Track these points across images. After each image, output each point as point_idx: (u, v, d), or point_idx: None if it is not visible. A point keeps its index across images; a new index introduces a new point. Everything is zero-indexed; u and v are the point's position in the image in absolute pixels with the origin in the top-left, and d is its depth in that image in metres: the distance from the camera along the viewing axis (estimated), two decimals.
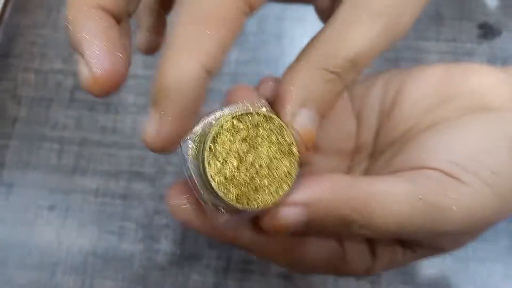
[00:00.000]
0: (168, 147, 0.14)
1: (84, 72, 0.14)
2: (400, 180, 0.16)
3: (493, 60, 0.30)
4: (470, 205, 0.15)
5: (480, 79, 0.18)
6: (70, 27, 0.14)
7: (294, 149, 0.15)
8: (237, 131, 0.15)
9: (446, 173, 0.16)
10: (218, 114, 0.15)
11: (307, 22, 0.31)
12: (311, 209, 0.15)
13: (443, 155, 0.16)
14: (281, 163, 0.15)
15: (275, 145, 0.15)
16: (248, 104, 0.15)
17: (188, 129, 0.14)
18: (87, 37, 0.14)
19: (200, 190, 0.15)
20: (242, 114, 0.15)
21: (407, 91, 0.19)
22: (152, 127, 0.14)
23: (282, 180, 0.15)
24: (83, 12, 0.14)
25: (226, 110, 0.15)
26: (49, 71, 0.31)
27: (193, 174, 0.15)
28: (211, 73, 0.14)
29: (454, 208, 0.15)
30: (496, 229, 0.26)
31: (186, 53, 0.13)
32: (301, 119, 0.16)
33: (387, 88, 0.19)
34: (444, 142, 0.17)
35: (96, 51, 0.14)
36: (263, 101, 0.16)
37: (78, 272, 0.27)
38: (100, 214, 0.28)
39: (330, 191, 0.15)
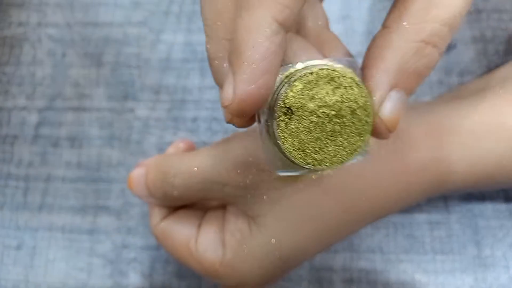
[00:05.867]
0: (246, 109, 0.13)
1: (229, 92, 0.13)
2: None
3: (449, 73, 0.30)
4: None
5: None
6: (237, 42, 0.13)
7: (369, 126, 0.14)
8: (314, 92, 0.14)
9: None
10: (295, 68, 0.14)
11: None
12: (147, 168, 0.23)
13: None
14: (353, 134, 0.14)
15: (354, 116, 0.14)
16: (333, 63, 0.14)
17: (266, 90, 0.13)
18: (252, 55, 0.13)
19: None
20: (324, 75, 0.14)
21: None
22: (229, 89, 0.13)
23: (350, 147, 0.14)
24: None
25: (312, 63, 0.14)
26: (13, 108, 0.31)
27: (264, 136, 0.15)
28: (284, 26, 0.13)
29: None
30: (462, 239, 0.27)
31: (256, 7, 0.13)
32: (390, 105, 0.14)
33: None
34: None
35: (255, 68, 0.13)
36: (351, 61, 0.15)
37: None
38: (68, 250, 0.27)
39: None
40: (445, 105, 0.23)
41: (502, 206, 0.27)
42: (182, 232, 0.22)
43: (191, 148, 0.25)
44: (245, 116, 0.14)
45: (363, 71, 0.15)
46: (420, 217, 0.27)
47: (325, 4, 0.33)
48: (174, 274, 0.27)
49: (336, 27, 0.32)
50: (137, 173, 0.23)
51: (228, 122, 0.14)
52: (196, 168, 0.21)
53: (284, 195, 0.21)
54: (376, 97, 0.14)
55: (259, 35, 0.12)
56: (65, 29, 0.33)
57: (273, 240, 0.21)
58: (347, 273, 0.26)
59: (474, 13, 0.32)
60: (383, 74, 0.14)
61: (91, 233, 0.28)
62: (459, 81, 0.30)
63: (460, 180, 0.23)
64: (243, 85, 0.13)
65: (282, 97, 0.14)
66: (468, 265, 0.26)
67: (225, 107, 0.13)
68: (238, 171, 0.20)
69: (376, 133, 0.15)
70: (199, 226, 0.23)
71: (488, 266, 0.26)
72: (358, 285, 0.26)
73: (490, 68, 0.30)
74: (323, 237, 0.22)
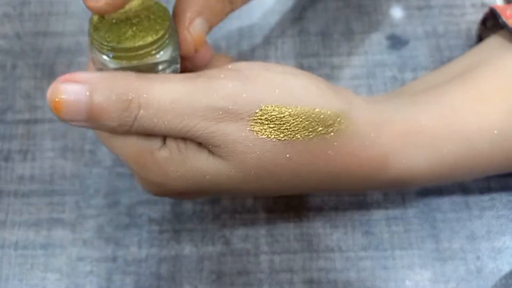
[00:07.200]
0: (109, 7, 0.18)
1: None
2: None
3: (403, 69, 0.31)
4: None
5: None
6: None
7: (161, 29, 0.19)
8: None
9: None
10: None
11: (221, 50, 0.32)
12: (92, 87, 0.18)
13: None
14: (150, 31, 0.19)
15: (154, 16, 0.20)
16: None
17: None
18: None
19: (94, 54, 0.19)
20: None
21: None
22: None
23: (154, 31, 0.19)
24: None
25: None
26: None
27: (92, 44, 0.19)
28: None
29: None
30: (421, 234, 0.27)
31: None
32: (196, 25, 0.21)
33: None
34: None
35: None
36: None
37: None
38: (21, 267, 0.27)
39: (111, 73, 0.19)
40: (404, 104, 0.23)
41: (458, 199, 0.28)
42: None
43: None
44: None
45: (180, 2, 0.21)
46: (378, 214, 0.27)
47: (280, 6, 0.34)
48: (132, 286, 0.26)
49: (291, 29, 0.32)
50: (73, 91, 0.18)
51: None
52: (171, 101, 0.18)
53: (249, 151, 0.19)
54: (187, 16, 0.21)
55: None
56: (15, 40, 0.32)
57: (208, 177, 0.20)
58: (307, 273, 0.26)
59: (426, 9, 0.32)
60: (193, 6, 0.21)
61: (46, 247, 0.27)
62: (413, 76, 0.30)
63: (416, 180, 0.23)
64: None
65: None
66: (427, 259, 0.26)
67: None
68: (216, 112, 0.19)
69: (185, 44, 0.21)
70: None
71: (447, 260, 0.26)
72: (319, 285, 0.26)
73: (443, 63, 0.30)
74: (271, 191, 0.22)
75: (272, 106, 0.19)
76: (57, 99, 0.18)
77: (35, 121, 0.30)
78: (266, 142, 0.19)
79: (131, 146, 0.20)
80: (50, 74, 0.31)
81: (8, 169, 0.29)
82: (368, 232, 0.27)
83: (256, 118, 0.19)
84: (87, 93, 0.18)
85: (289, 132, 0.19)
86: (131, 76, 0.19)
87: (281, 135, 0.19)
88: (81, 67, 0.31)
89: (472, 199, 0.27)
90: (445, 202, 0.28)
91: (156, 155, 0.20)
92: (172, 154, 0.20)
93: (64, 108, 0.18)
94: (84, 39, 0.32)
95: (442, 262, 0.26)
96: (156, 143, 0.20)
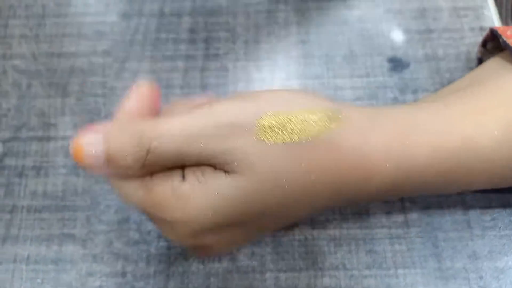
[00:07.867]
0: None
1: None
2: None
3: (404, 90, 0.31)
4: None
5: None
6: None
7: None
8: None
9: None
10: None
11: (229, 72, 0.33)
12: (107, 133, 0.20)
13: None
14: None
15: None
16: None
17: None
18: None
19: None
20: None
21: None
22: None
23: None
24: None
25: None
26: None
27: None
28: None
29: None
30: (423, 253, 0.27)
31: None
32: None
33: None
34: None
35: None
36: None
37: None
38: (32, 282, 0.27)
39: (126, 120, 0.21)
40: (400, 109, 0.24)
41: (460, 218, 0.28)
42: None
43: (155, 95, 0.23)
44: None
45: None
46: (381, 232, 0.28)
47: (285, 30, 0.35)
48: None
49: (295, 52, 0.33)
50: (91, 140, 0.20)
51: None
52: (180, 128, 0.20)
53: (261, 160, 0.21)
54: None
55: None
56: (31, 60, 0.33)
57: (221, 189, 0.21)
58: None
59: (426, 33, 0.33)
60: None
61: (56, 262, 0.28)
62: (414, 98, 0.31)
63: (411, 182, 0.23)
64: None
65: None
66: (430, 278, 0.27)
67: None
68: (223, 130, 0.20)
69: None
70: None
71: (449, 279, 0.27)
72: None
73: (444, 85, 0.31)
74: (287, 205, 0.22)
75: (271, 113, 0.21)
76: (78, 146, 0.20)
77: (48, 139, 0.31)
78: (273, 148, 0.21)
79: (151, 188, 0.21)
80: (64, 93, 0.32)
81: (22, 185, 0.30)
82: (372, 251, 0.27)
83: (259, 126, 0.21)
84: (103, 140, 0.20)
85: (291, 135, 0.21)
86: (140, 120, 0.21)
87: (285, 138, 0.21)
88: (93, 86, 0.32)
89: (474, 218, 0.28)
90: (447, 221, 0.28)
91: (177, 190, 0.21)
92: (193, 186, 0.21)
93: (84, 154, 0.20)
94: (96, 60, 0.33)
95: (444, 281, 0.27)
96: (176, 177, 0.21)
